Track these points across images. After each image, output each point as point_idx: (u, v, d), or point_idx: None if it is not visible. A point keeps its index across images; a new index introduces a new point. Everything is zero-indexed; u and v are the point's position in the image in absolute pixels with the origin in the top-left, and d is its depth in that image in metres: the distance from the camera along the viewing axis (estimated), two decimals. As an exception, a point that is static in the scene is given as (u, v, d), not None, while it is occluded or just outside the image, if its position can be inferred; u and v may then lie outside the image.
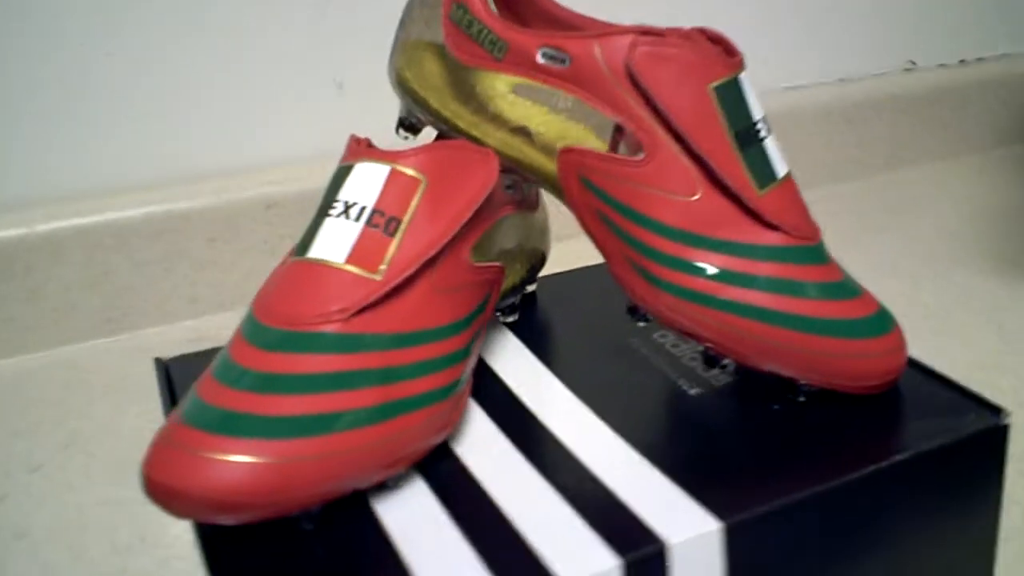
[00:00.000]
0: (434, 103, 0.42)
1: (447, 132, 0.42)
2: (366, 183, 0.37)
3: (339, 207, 0.37)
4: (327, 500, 0.33)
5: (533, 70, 0.39)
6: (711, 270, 0.37)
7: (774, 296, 0.37)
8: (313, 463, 0.32)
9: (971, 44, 0.94)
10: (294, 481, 0.32)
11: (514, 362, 0.43)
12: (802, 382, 0.39)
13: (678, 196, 0.38)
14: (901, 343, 0.39)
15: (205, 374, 0.35)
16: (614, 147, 0.39)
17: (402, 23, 0.43)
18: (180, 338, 0.66)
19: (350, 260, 0.35)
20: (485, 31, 0.40)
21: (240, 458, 0.31)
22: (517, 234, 0.45)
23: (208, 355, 0.45)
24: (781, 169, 0.39)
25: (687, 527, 0.32)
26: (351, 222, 0.36)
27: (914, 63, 0.91)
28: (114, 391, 0.60)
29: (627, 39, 0.37)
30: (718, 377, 0.42)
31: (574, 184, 0.39)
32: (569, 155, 0.39)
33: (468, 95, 0.41)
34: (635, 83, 0.37)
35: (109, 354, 0.65)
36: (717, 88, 0.38)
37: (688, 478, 0.35)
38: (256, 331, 0.35)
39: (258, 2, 0.65)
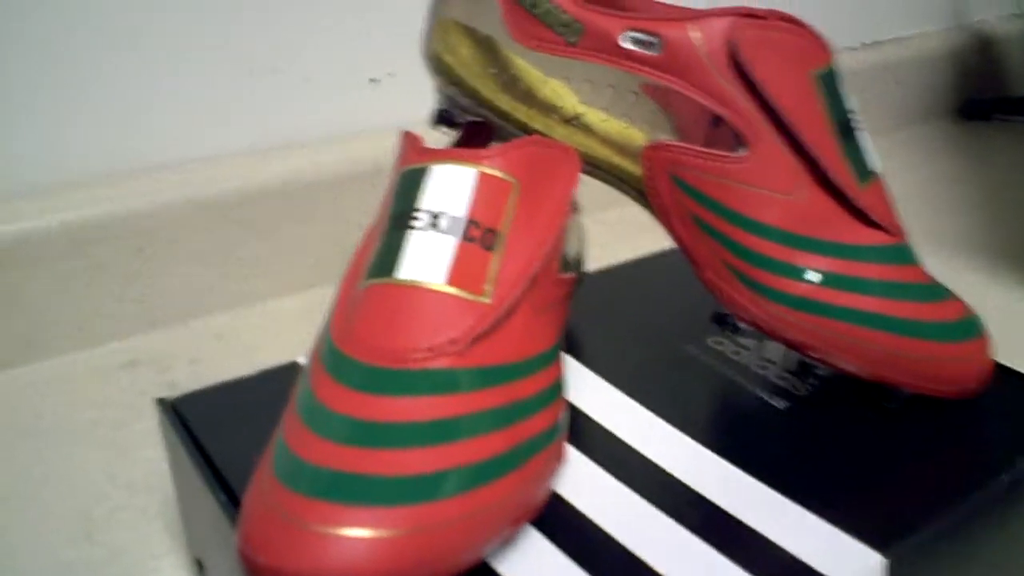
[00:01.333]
0: (485, 93, 0.37)
1: (498, 125, 0.37)
2: (451, 189, 0.32)
3: (424, 218, 0.31)
4: (461, 573, 0.28)
5: (616, 56, 0.35)
6: (819, 275, 0.35)
7: (883, 300, 0.35)
8: (444, 531, 0.27)
9: (870, 27, 0.97)
10: (424, 555, 0.26)
11: (577, 382, 0.39)
12: (898, 388, 0.37)
13: (781, 194, 0.35)
14: (989, 345, 0.38)
15: (289, 418, 0.29)
16: (706, 143, 0.36)
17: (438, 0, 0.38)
18: (108, 364, 0.57)
19: (452, 281, 0.30)
20: (556, 11, 0.35)
21: (359, 532, 0.26)
22: (573, 240, 0.41)
23: (223, 393, 0.38)
24: (875, 163, 0.37)
25: (850, 563, 0.30)
26: (443, 235, 0.31)
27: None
28: (32, 434, 0.51)
29: (728, 21, 0.34)
30: (796, 386, 0.39)
31: (663, 184, 0.35)
32: (659, 152, 0.35)
33: (526, 84, 0.36)
34: (737, 70, 0.34)
35: (20, 386, 0.55)
36: (819, 76, 0.35)
37: (828, 506, 0.32)
38: (347, 369, 0.29)
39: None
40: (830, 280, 0.35)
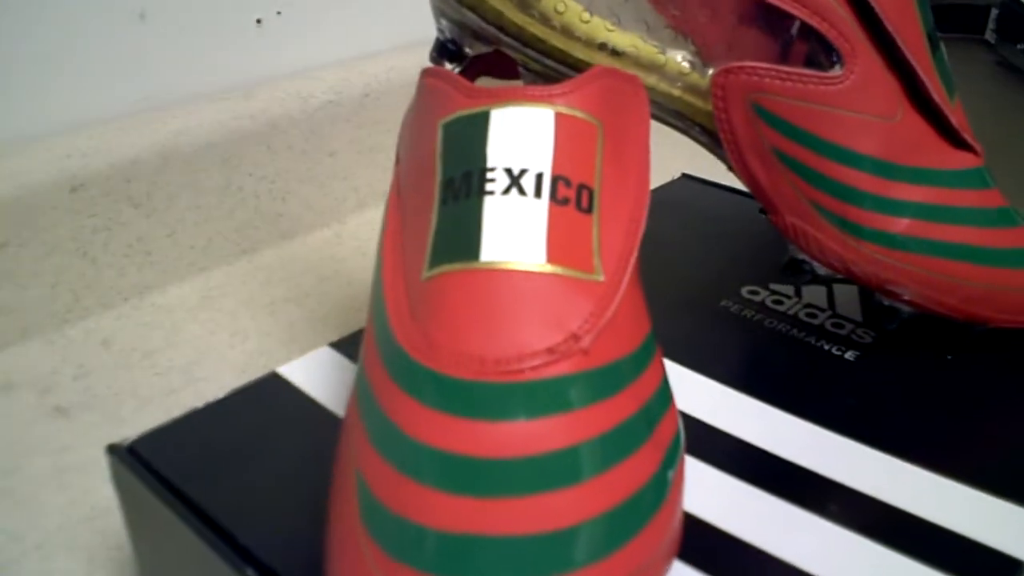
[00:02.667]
0: (513, 17, 0.29)
1: (525, 55, 0.30)
2: (526, 138, 0.24)
3: (500, 178, 0.23)
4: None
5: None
6: (916, 207, 0.30)
7: (979, 230, 0.31)
8: None
9: None
10: None
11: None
12: (979, 325, 0.33)
13: (880, 117, 0.29)
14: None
15: (369, 457, 0.21)
16: (785, 62, 0.29)
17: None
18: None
19: (553, 258, 0.23)
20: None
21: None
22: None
23: (190, 426, 0.29)
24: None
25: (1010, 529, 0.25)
26: (530, 199, 0.23)
27: None
28: None
29: (820, -90, 0.28)
30: (859, 333, 0.35)
31: (739, 115, 0.29)
32: (735, 76, 0.29)
33: (561, 22, 0.29)
34: (833, -29, 0.28)
35: None
36: (912, -24, 0.29)
37: (983, 478, 0.27)
38: (436, 387, 0.21)
39: None
40: (928, 212, 0.30)
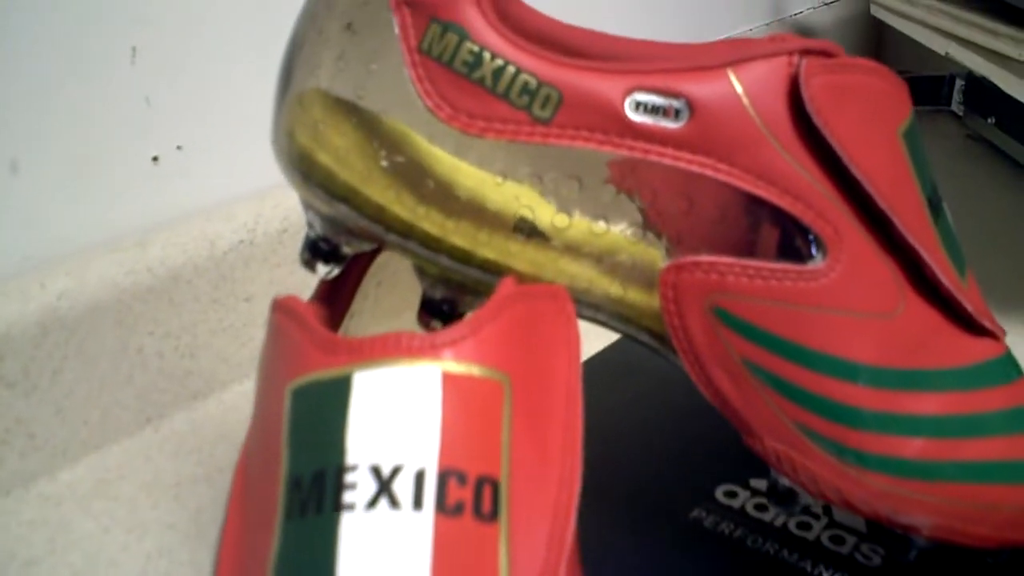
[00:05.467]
0: (399, 211, 0.22)
1: (420, 256, 0.23)
2: (400, 415, 0.17)
3: (364, 483, 0.17)
4: None
5: (617, 134, 0.21)
6: (930, 422, 0.23)
7: (1012, 440, 0.24)
8: None
9: (696, 29, 0.90)
10: None
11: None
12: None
13: (877, 315, 0.23)
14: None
15: None
16: (757, 253, 0.23)
17: (294, 59, 0.23)
18: None
19: (437, 602, 0.16)
20: (511, 72, 0.21)
21: None
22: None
23: None
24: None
25: None
26: (406, 512, 0.16)
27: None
28: None
29: (784, 64, 0.21)
30: (861, 548, 0.28)
31: (695, 319, 0.23)
32: (688, 274, 0.22)
33: (466, 191, 0.22)
34: (807, 139, 0.22)
35: None
36: (906, 134, 0.23)
37: None
38: None
39: None
40: (946, 427, 0.24)
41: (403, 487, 0.16)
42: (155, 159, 0.49)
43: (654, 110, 0.21)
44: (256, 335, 0.52)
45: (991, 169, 0.67)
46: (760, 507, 0.30)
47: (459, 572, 0.16)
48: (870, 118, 0.22)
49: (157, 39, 0.47)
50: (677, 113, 0.21)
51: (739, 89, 0.21)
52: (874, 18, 0.79)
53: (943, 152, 0.73)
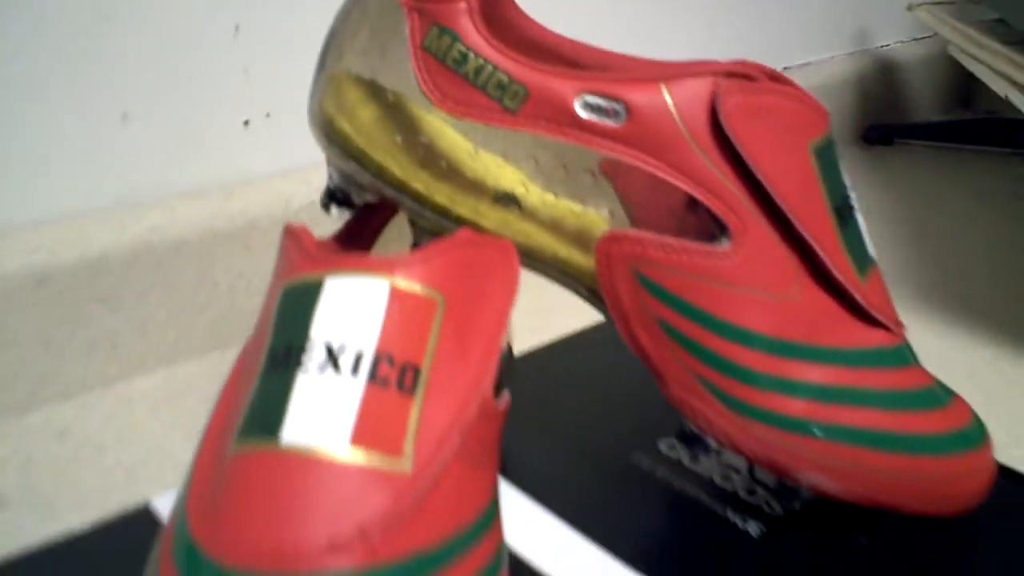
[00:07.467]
0: (395, 169, 0.28)
1: (411, 210, 0.29)
2: (354, 312, 0.23)
3: (317, 353, 0.23)
4: None
5: (568, 127, 0.27)
6: (814, 389, 0.28)
7: (888, 414, 0.29)
8: None
9: (777, 54, 0.93)
10: None
11: (510, 512, 0.31)
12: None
13: (772, 294, 0.28)
14: (992, 454, 0.32)
15: None
16: (678, 232, 0.28)
17: (329, 47, 0.29)
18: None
19: (358, 441, 0.22)
20: (489, 70, 0.27)
21: None
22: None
23: (38, 562, 0.29)
24: (872, 249, 0.30)
25: None
26: (345, 378, 0.22)
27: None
28: None
29: (709, 83, 0.26)
30: (770, 503, 0.33)
31: (623, 283, 0.28)
32: (618, 244, 0.28)
33: (449, 159, 0.28)
34: (722, 144, 0.27)
35: None
36: (817, 149, 0.28)
37: None
38: (207, 572, 0.20)
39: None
40: (829, 394, 0.28)
41: (346, 360, 0.22)
42: (246, 123, 0.56)
43: (599, 110, 0.27)
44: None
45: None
46: (694, 458, 0.35)
47: (378, 423, 0.22)
48: (780, 133, 0.27)
49: (259, 18, 0.54)
50: (617, 114, 0.27)
51: (668, 100, 0.26)
52: (961, 56, 0.80)
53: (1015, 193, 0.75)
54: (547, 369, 0.40)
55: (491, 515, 0.25)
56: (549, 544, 0.30)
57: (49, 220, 0.51)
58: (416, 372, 0.23)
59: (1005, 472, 0.34)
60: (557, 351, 0.42)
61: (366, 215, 0.32)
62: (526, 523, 0.31)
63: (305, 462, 0.21)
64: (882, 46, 1.06)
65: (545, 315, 0.52)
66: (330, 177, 0.30)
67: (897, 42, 1.08)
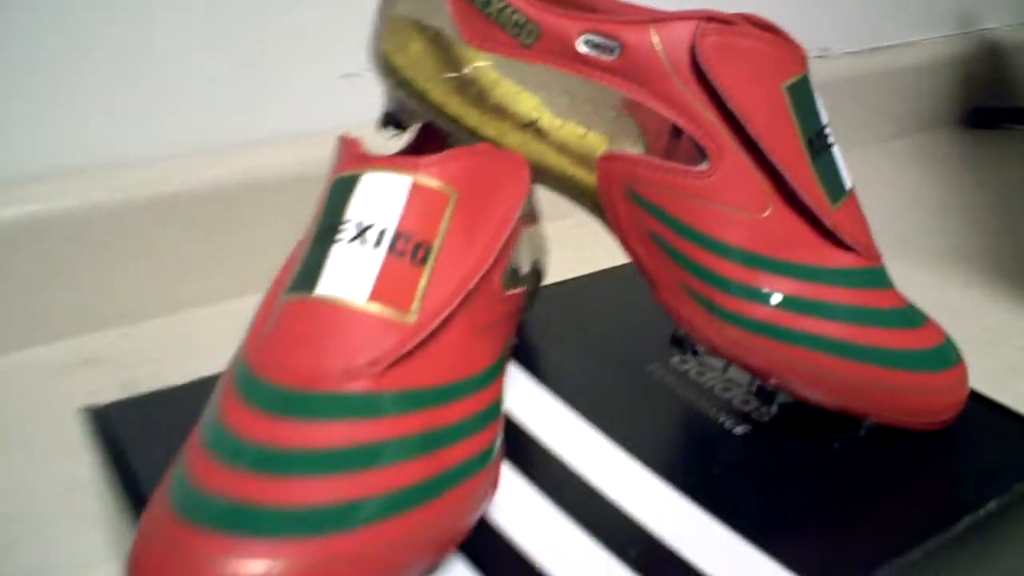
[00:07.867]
0: (435, 96, 0.34)
1: (449, 130, 0.35)
2: (381, 199, 0.29)
3: (349, 229, 0.29)
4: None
5: (572, 61, 0.32)
6: (781, 298, 0.32)
7: (850, 326, 0.33)
8: (350, 563, 0.25)
9: (874, 32, 0.94)
10: None
11: (529, 403, 0.37)
12: (864, 419, 0.35)
13: (746, 212, 0.32)
14: (966, 375, 0.36)
15: (192, 443, 0.27)
16: (666, 155, 0.33)
17: (387, -4, 0.36)
18: (64, 361, 0.55)
19: (375, 297, 0.28)
20: (509, 11, 0.33)
21: (252, 565, 0.24)
22: (528, 252, 0.39)
23: (147, 403, 0.36)
24: (848, 181, 0.34)
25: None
26: (369, 248, 0.29)
27: (827, 50, 0.89)
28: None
29: (692, 25, 0.31)
30: (759, 411, 0.37)
31: (619, 198, 0.33)
32: (614, 163, 0.33)
33: (477, 87, 0.34)
34: (701, 79, 0.31)
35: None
36: (790, 87, 0.32)
37: (771, 540, 0.30)
38: (257, 391, 0.27)
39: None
40: (792, 304, 0.32)
41: (372, 235, 0.28)
42: (347, 76, 0.63)
43: (597, 46, 0.32)
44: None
45: None
46: (701, 373, 0.40)
47: (393, 284, 0.28)
48: (753, 71, 0.31)
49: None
50: (612, 51, 0.32)
51: (655, 39, 0.31)
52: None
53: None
54: (583, 293, 0.46)
55: (489, 376, 0.30)
56: (559, 429, 0.35)
57: (183, 153, 0.59)
58: (427, 249, 0.29)
59: (974, 395, 0.38)
60: (595, 280, 0.47)
61: (423, 139, 0.38)
62: (543, 412, 0.36)
63: (332, 309, 0.28)
64: (988, 28, 1.05)
65: (589, 262, 0.57)
66: (387, 103, 0.36)
67: (1006, 25, 1.07)
